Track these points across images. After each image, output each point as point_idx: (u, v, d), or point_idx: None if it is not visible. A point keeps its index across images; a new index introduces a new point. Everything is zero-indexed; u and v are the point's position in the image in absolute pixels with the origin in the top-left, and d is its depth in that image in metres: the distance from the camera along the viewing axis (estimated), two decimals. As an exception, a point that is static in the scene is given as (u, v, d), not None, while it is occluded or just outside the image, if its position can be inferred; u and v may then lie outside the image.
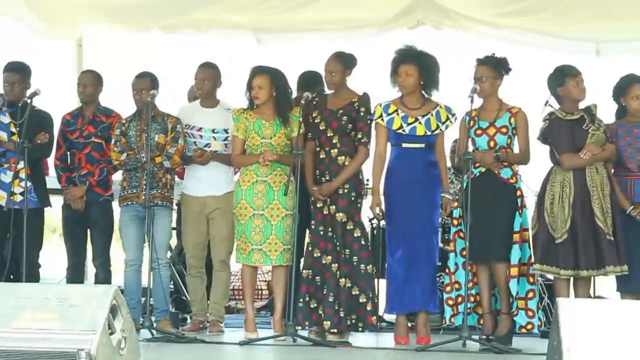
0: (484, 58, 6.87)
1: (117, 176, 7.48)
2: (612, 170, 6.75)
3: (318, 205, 6.94)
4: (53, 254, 9.00)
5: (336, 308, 6.77)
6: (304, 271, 6.93)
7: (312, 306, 6.86)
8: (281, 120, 6.99)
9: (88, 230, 7.42)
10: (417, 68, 6.83)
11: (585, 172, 6.61)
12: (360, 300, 6.82)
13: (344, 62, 7.01)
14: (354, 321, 6.82)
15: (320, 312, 6.85)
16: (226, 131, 7.23)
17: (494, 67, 6.82)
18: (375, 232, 8.14)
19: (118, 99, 7.73)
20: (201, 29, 8.55)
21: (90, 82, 7.44)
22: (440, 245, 7.28)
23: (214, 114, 7.34)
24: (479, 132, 6.79)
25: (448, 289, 6.86)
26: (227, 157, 7.25)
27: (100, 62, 8.54)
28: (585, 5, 8.10)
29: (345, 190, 6.90)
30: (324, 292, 6.83)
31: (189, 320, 7.60)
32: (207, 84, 7.35)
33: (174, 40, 8.73)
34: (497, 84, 6.85)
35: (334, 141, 6.93)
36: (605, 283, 7.37)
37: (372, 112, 6.95)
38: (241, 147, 7.06)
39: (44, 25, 8.79)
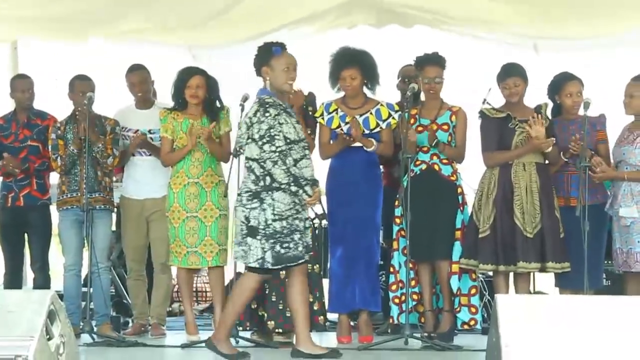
0: (435, 57, 6.89)
1: (55, 180, 7.40)
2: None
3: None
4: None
5: (280, 308, 6.76)
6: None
7: (252, 307, 6.85)
8: (209, 118, 6.99)
9: (25, 234, 7.34)
10: (359, 70, 6.86)
11: (511, 169, 6.67)
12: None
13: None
14: (300, 321, 6.82)
15: (261, 313, 6.84)
16: (163, 131, 7.22)
17: (443, 67, 6.85)
18: (317, 231, 8.14)
19: (49, 104, 7.64)
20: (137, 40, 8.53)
21: (31, 87, 7.38)
22: (382, 243, 7.31)
23: (149, 115, 7.33)
24: (420, 129, 6.83)
25: (394, 287, 6.90)
26: (159, 149, 7.21)
27: (35, 67, 8.47)
28: (524, 1, 8.17)
29: (293, 191, 6.90)
30: (266, 292, 6.82)
31: (130, 324, 7.54)
32: (144, 85, 7.38)
33: (109, 49, 8.69)
34: (444, 79, 6.89)
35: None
36: (545, 279, 7.45)
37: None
38: (170, 147, 7.05)
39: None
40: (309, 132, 6.94)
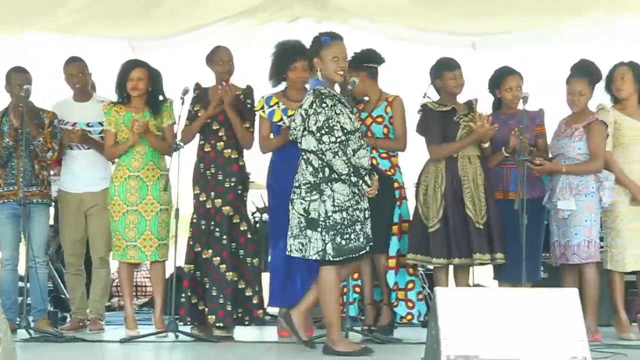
0: (350, 59, 6.90)
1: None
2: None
3: (201, 199, 6.89)
4: None
5: (221, 302, 6.74)
6: (186, 266, 6.89)
7: (193, 302, 6.82)
8: (151, 111, 6.96)
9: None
10: (307, 62, 6.85)
11: (457, 162, 6.72)
12: (247, 294, 6.83)
13: (231, 53, 7.02)
14: (240, 315, 6.82)
15: (201, 307, 6.82)
16: (101, 124, 7.16)
17: (353, 65, 6.82)
18: (257, 225, 8.14)
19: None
20: (74, 33, 8.43)
21: None
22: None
23: (87, 108, 7.29)
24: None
25: (336, 279, 6.91)
26: (101, 144, 7.16)
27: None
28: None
29: (232, 184, 6.88)
30: (207, 287, 6.80)
31: (68, 319, 7.46)
32: (82, 77, 7.32)
33: (47, 41, 8.58)
34: (361, 78, 6.83)
35: (220, 134, 6.91)
36: (483, 272, 7.51)
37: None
38: (113, 141, 7.01)
39: None
40: (247, 125, 6.93)
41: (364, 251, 5.93)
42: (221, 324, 6.77)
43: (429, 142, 6.79)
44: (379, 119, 6.88)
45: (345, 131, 5.83)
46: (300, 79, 6.85)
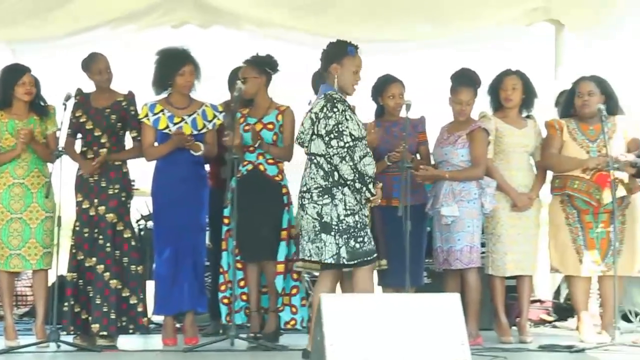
0: (249, 58, 6.93)
1: None
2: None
3: (84, 207, 6.80)
4: None
5: (104, 310, 6.67)
6: (68, 274, 6.79)
7: (75, 310, 6.72)
8: (36, 118, 6.84)
9: None
10: (194, 68, 6.83)
11: None
12: (131, 302, 6.77)
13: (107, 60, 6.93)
14: (124, 323, 6.75)
15: (84, 316, 6.73)
16: (-18, 132, 6.98)
17: (257, 67, 6.88)
18: (142, 233, 8.06)
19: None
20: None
21: None
22: (208, 244, 7.29)
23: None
24: (246, 128, 6.84)
25: (223, 287, 6.89)
26: None
27: None
28: (348, 5, 8.29)
29: (116, 191, 6.81)
30: (90, 295, 6.71)
31: (-55, 331, 7.26)
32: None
33: None
34: (260, 82, 6.89)
35: (102, 140, 6.83)
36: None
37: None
38: None
39: None
40: (135, 134, 6.88)
41: (375, 255, 5.95)
42: (105, 333, 6.69)
43: None
44: (270, 126, 6.90)
45: (353, 137, 5.83)
46: (189, 83, 6.86)
